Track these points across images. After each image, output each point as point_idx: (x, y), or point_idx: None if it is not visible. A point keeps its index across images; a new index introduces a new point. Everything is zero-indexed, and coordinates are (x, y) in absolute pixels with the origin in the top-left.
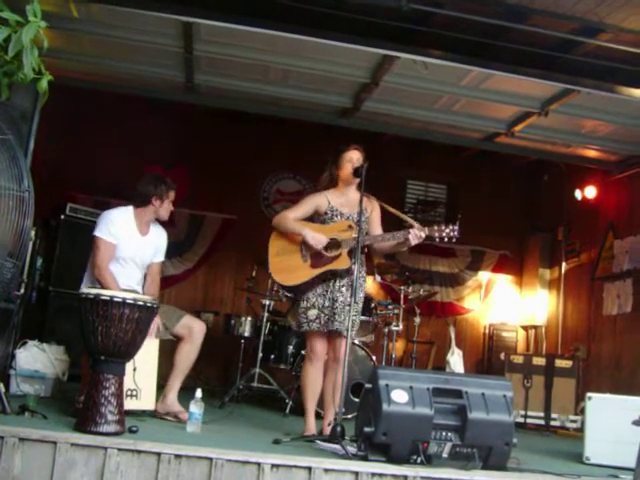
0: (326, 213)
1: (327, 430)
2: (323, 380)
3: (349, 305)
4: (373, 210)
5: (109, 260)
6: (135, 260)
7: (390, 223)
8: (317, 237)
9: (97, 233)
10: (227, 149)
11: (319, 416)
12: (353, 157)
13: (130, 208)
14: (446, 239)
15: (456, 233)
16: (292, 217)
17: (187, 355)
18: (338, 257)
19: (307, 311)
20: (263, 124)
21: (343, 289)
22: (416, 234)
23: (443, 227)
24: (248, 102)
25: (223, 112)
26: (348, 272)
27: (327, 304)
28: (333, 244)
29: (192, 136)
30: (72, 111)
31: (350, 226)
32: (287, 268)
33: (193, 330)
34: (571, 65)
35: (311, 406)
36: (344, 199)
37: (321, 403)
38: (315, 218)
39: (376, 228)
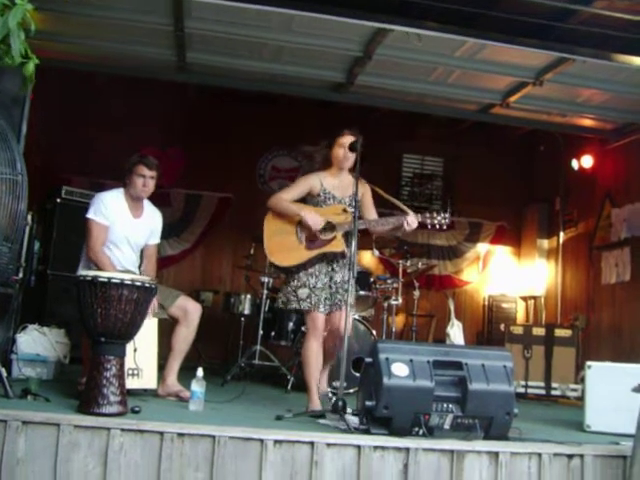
0: (319, 195)
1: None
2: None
3: (346, 283)
4: (365, 193)
5: (102, 242)
6: (129, 242)
7: (381, 204)
8: (315, 218)
9: (89, 215)
10: (222, 128)
11: None
12: (346, 142)
13: (121, 190)
14: (437, 226)
15: (447, 221)
16: (287, 198)
17: (184, 338)
18: (333, 240)
19: (297, 290)
20: (257, 101)
21: (337, 269)
22: (409, 221)
23: (435, 214)
24: (241, 79)
25: (217, 91)
26: (342, 255)
27: (319, 285)
28: (328, 227)
29: (187, 116)
30: (65, 94)
31: (344, 210)
32: (283, 249)
33: (188, 312)
34: (566, 34)
35: (314, 382)
36: (337, 182)
37: None
38: (308, 200)
39: (369, 211)
